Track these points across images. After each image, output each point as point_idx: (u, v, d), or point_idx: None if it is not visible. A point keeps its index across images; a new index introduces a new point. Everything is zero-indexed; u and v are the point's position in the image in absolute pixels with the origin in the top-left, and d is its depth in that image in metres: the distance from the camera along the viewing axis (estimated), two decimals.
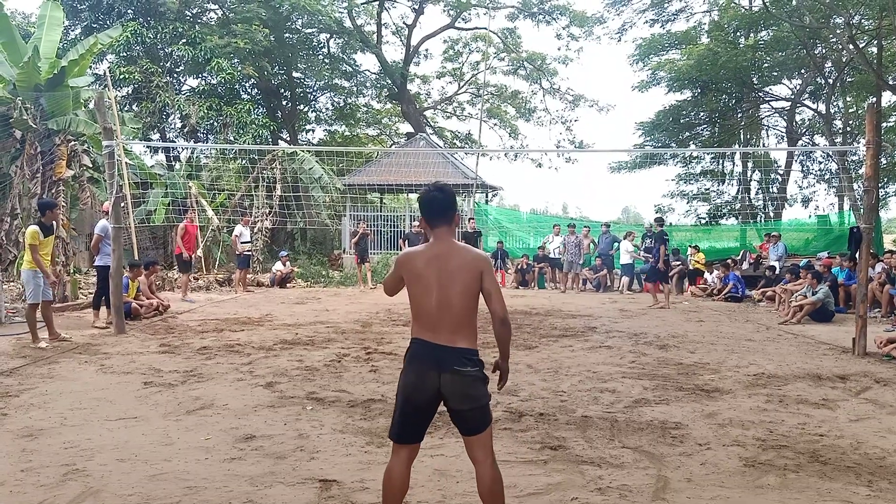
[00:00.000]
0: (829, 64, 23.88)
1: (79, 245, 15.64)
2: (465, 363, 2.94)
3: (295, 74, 28.18)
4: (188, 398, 5.68)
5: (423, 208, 3.09)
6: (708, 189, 29.02)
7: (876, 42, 20.02)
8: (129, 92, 23.01)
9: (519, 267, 18.25)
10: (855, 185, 22.64)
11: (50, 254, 8.57)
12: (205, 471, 3.99)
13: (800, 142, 27.57)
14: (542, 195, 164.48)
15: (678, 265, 16.84)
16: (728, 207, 28.13)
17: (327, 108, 31.74)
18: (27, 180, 13.57)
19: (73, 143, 14.06)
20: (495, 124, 36.00)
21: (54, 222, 8.95)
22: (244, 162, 22.00)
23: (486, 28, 31.80)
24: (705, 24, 27.28)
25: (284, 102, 28.64)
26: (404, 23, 32.09)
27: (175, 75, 25.00)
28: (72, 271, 13.75)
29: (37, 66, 13.83)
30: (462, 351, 2.95)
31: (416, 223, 19.24)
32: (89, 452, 4.29)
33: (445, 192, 3.10)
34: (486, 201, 26.06)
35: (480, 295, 3.02)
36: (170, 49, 22.99)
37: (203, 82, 24.67)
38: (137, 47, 22.37)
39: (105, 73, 16.24)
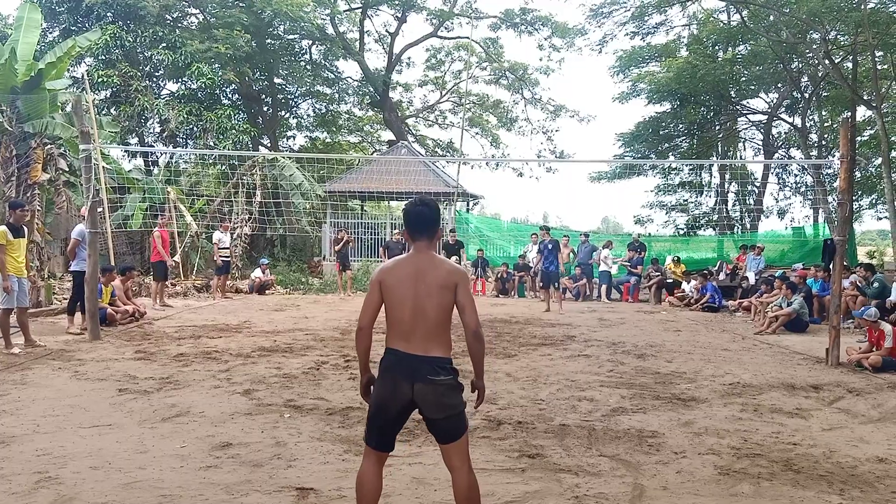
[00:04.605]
0: (806, 78, 24.31)
1: (54, 250, 15.40)
2: (438, 372, 2.98)
3: (276, 80, 28.05)
4: (164, 405, 5.61)
5: (407, 221, 3.18)
6: (686, 200, 29.30)
7: (851, 58, 20.45)
8: (108, 95, 22.74)
9: (499, 275, 18.31)
10: (829, 198, 23.00)
11: (23, 257, 8.37)
12: (180, 479, 3.95)
13: (776, 154, 27.98)
14: (522, 204, 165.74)
15: (657, 276, 17.00)
16: (706, 218, 28.44)
17: (309, 115, 31.65)
18: (2, 184, 13.36)
19: (49, 146, 13.85)
20: (477, 133, 36.11)
21: (26, 226, 8.78)
22: (224, 167, 21.84)
23: (468, 37, 31.95)
24: (685, 37, 27.63)
25: (265, 108, 28.50)
26: (387, 31, 32.13)
27: (154, 79, 24.76)
28: (46, 276, 13.53)
29: (13, 68, 13.62)
30: (435, 360, 2.99)
31: (398, 231, 19.23)
32: (62, 460, 4.23)
33: (430, 206, 3.20)
34: (468, 210, 26.10)
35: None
36: (149, 53, 22.74)
37: (183, 87, 24.46)
38: (116, 51, 22.10)
39: (83, 76, 16.06)
